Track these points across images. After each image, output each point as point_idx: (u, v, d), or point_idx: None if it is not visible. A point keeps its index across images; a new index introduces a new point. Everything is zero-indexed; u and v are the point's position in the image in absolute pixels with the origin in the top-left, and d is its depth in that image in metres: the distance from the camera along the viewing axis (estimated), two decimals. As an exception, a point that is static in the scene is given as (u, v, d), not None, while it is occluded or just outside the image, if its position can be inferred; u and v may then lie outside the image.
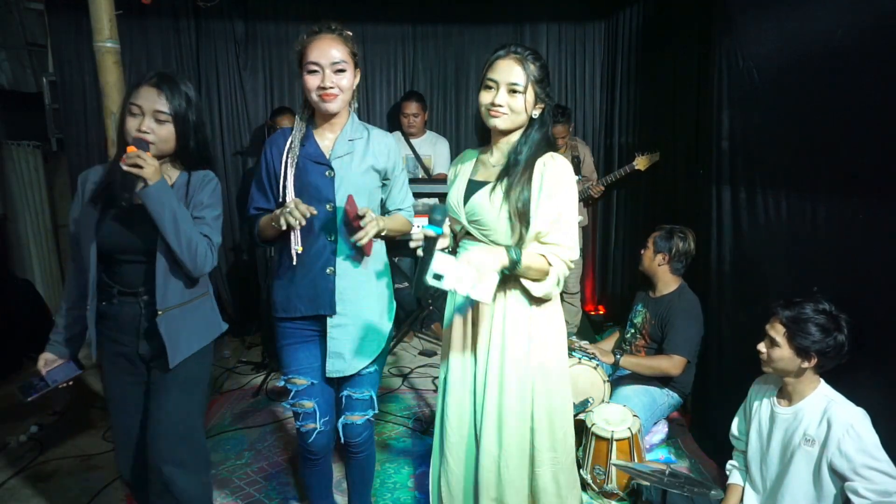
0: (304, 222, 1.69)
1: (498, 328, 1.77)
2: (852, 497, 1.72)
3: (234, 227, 4.47)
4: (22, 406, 3.39)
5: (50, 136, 4.31)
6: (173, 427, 1.76)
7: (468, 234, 1.81)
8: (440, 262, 1.52)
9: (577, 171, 4.04)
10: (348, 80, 1.79)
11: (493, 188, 1.73)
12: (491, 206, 1.72)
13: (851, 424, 1.73)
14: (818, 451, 1.80)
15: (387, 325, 1.95)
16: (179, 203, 1.69)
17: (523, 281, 1.68)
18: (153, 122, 1.69)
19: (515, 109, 1.69)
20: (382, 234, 1.83)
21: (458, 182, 1.83)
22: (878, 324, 1.83)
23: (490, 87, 1.69)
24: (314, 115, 1.88)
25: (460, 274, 1.51)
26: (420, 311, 4.04)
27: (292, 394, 1.91)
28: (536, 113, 1.74)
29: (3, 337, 3.88)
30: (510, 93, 1.67)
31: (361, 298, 1.88)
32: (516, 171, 1.71)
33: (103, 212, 1.72)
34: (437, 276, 1.51)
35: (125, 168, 1.60)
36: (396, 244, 4.72)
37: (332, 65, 1.75)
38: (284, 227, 1.71)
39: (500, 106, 1.67)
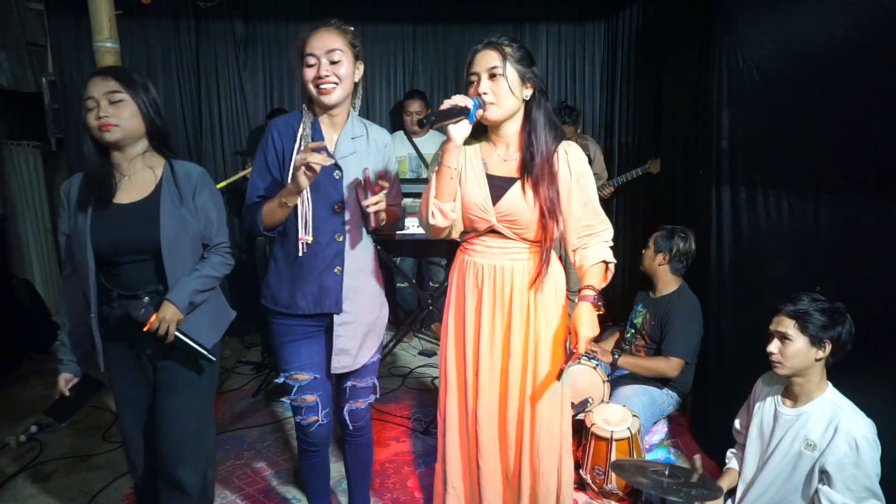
0: (320, 164, 1.61)
1: (529, 324, 1.82)
2: (824, 500, 1.75)
3: (233, 226, 4.47)
4: (22, 406, 3.41)
5: (50, 136, 4.31)
6: (185, 428, 1.75)
7: (491, 231, 1.81)
8: None
9: None
10: (346, 69, 1.74)
11: (523, 186, 1.74)
12: (526, 205, 1.73)
13: (855, 438, 1.73)
14: (817, 455, 1.81)
15: (385, 318, 2.02)
16: (191, 287, 1.70)
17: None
18: (109, 105, 1.63)
19: (501, 94, 1.68)
20: (381, 220, 1.80)
21: (472, 179, 1.79)
22: (880, 324, 1.82)
23: (473, 82, 1.71)
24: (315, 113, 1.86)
25: None
26: (420, 311, 4.04)
27: (294, 389, 1.89)
28: (528, 94, 1.74)
29: (3, 337, 3.88)
30: (491, 78, 1.68)
31: (364, 296, 1.90)
32: (536, 166, 1.72)
33: (94, 215, 1.67)
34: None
35: (169, 343, 1.66)
36: (396, 244, 4.70)
37: (327, 53, 1.70)
38: (304, 185, 1.64)
39: (485, 93, 1.68)
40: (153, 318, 1.62)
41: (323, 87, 1.73)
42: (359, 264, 1.87)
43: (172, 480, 1.76)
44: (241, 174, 3.96)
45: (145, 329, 1.61)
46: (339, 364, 1.89)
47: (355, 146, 1.84)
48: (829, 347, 1.81)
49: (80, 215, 1.67)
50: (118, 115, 1.64)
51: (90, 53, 2.81)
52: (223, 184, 4.01)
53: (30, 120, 4.60)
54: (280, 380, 1.92)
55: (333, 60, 1.72)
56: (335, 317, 1.85)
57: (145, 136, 1.73)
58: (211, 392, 1.87)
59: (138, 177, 1.73)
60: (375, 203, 1.73)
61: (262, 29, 4.36)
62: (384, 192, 1.75)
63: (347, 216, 1.82)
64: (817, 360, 1.83)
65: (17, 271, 4.54)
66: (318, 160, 1.60)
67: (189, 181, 1.74)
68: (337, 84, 1.74)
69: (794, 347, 1.83)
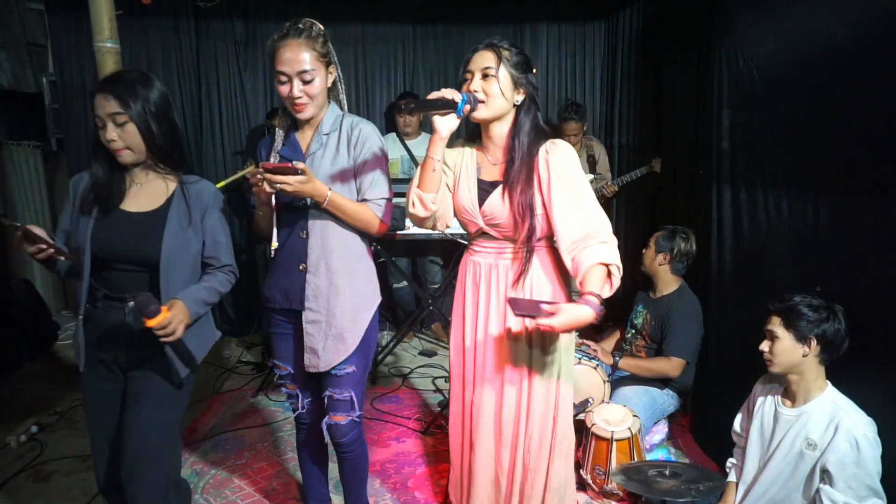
0: (260, 187, 1.67)
1: (523, 323, 1.81)
2: (826, 499, 1.76)
3: (233, 226, 4.47)
4: (22, 406, 3.41)
5: (50, 136, 4.32)
6: (143, 446, 1.68)
7: (484, 233, 1.85)
8: None
9: (593, 169, 4.05)
10: (318, 85, 1.76)
11: (504, 189, 1.75)
12: (504, 209, 1.75)
13: (856, 436, 1.73)
14: (818, 455, 1.81)
15: (362, 326, 1.91)
16: (200, 296, 1.69)
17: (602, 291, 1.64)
18: (115, 127, 1.60)
19: (491, 94, 1.69)
20: (321, 203, 1.75)
21: (465, 183, 1.83)
22: (881, 324, 1.82)
23: (466, 79, 1.73)
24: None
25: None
26: (420, 311, 4.04)
27: (277, 376, 2.07)
28: (519, 99, 1.75)
29: (3, 337, 3.88)
30: (484, 77, 1.70)
31: (334, 296, 1.87)
32: (514, 171, 1.73)
33: (98, 218, 1.66)
34: None
35: (168, 341, 1.57)
36: (394, 244, 4.69)
37: (298, 74, 1.72)
38: (259, 200, 1.77)
39: (475, 91, 1.69)
40: (163, 313, 1.53)
41: (296, 106, 1.78)
42: (328, 264, 1.85)
43: (128, 495, 1.69)
44: (239, 174, 3.95)
45: (150, 324, 1.51)
46: (310, 363, 1.92)
47: (325, 141, 1.85)
48: (814, 344, 1.82)
49: (84, 217, 1.67)
50: (125, 137, 1.62)
51: (90, 53, 2.81)
52: (221, 183, 4.02)
53: (30, 120, 4.61)
54: (269, 364, 2.04)
55: (305, 80, 1.74)
56: (303, 314, 1.88)
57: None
58: (179, 407, 1.80)
59: (150, 186, 1.72)
60: (258, 174, 1.66)
61: (262, 29, 4.35)
62: (298, 175, 1.65)
63: (310, 213, 1.83)
64: (804, 357, 1.85)
65: (17, 271, 4.55)
66: (263, 186, 1.69)
67: (200, 201, 1.73)
68: (309, 102, 1.78)
69: (781, 345, 1.86)
